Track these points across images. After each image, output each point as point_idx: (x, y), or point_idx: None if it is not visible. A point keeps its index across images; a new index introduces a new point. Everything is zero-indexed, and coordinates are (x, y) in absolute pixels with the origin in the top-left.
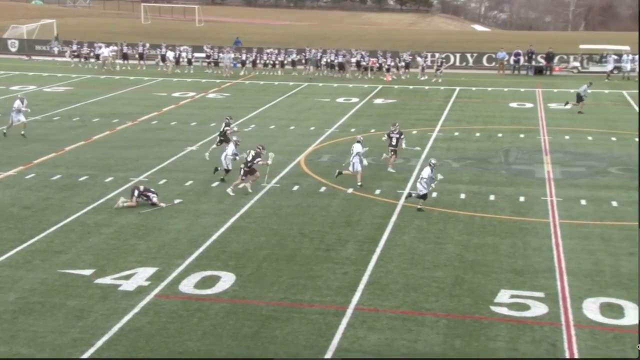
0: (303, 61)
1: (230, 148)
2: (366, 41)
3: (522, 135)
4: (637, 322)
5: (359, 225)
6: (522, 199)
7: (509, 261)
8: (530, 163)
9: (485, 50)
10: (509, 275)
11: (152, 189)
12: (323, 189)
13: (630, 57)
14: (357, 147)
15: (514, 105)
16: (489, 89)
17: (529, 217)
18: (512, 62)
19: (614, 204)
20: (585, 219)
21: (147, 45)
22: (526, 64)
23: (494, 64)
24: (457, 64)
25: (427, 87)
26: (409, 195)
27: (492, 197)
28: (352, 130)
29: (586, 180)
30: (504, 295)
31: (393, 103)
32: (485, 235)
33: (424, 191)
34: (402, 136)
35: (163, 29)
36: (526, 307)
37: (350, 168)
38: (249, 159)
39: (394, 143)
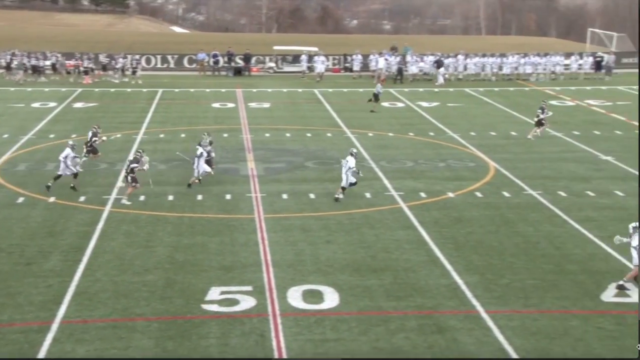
0: (13, 65)
1: (67, 153)
2: (61, 43)
3: (225, 135)
4: (335, 304)
5: (62, 235)
6: (228, 196)
7: (218, 259)
8: (234, 161)
9: (186, 51)
10: (218, 273)
11: None
12: (21, 199)
13: (322, 58)
14: (351, 161)
15: (216, 105)
16: (192, 90)
17: (236, 214)
18: (212, 63)
19: (312, 196)
20: (287, 212)
21: None
22: (226, 65)
23: (194, 65)
24: (159, 65)
25: (129, 90)
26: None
27: (199, 197)
28: (51, 136)
29: (286, 175)
30: (214, 293)
31: (95, 106)
32: (194, 235)
33: (354, 180)
34: (211, 146)
35: None
36: (236, 302)
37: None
38: (132, 165)
39: (213, 155)
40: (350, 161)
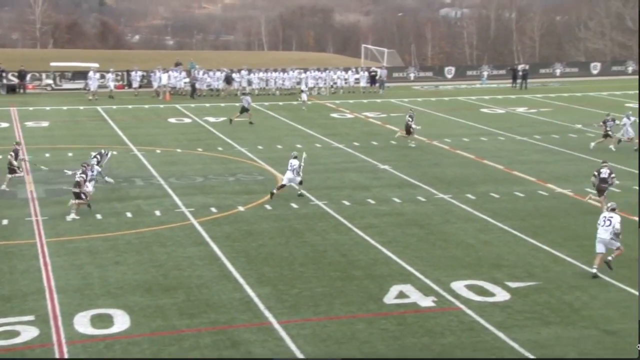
0: None
1: None
2: None
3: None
4: (125, 327)
5: None
6: (5, 222)
7: None
8: (12, 184)
9: None
10: None
11: None
12: None
13: (92, 73)
14: (294, 163)
15: None
16: None
17: (14, 239)
18: None
19: (98, 216)
20: (71, 234)
21: None
22: None
23: None
24: None
25: None
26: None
27: None
28: None
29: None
30: None
31: None
32: None
33: (299, 178)
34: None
35: None
36: (16, 334)
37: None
38: (78, 179)
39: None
40: (294, 163)
